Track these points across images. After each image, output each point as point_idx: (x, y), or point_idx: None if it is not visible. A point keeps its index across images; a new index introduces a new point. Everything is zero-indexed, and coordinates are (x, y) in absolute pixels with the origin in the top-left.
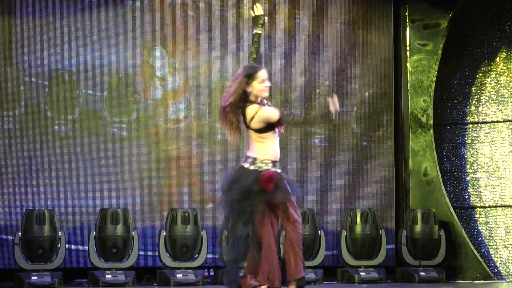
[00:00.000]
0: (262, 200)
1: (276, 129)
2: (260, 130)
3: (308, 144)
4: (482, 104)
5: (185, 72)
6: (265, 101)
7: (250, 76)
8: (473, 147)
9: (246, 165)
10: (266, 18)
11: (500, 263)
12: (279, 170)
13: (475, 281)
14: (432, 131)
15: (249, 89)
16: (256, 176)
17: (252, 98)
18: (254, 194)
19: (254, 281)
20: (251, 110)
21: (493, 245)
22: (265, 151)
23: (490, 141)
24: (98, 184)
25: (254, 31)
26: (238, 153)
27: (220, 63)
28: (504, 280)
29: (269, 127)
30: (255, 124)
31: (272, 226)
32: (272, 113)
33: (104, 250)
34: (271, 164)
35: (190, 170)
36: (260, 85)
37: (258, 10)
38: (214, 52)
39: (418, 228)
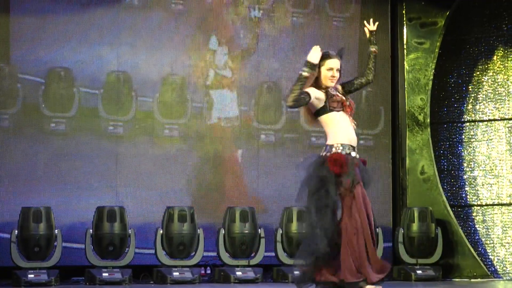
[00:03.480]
0: (335, 185)
1: (341, 112)
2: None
3: (305, 142)
4: (479, 103)
5: (182, 70)
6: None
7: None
8: (470, 145)
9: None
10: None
11: (497, 262)
12: (353, 154)
13: (472, 280)
14: (429, 129)
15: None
16: (322, 160)
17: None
18: (326, 180)
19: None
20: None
21: (490, 243)
22: (333, 135)
23: (487, 140)
24: (94, 182)
25: (370, 49)
26: (235, 151)
27: (217, 60)
28: (501, 279)
29: (322, 109)
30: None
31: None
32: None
33: (100, 248)
34: (341, 148)
35: (187, 168)
36: (328, 72)
37: (374, 25)
38: (213, 50)
39: (415, 226)
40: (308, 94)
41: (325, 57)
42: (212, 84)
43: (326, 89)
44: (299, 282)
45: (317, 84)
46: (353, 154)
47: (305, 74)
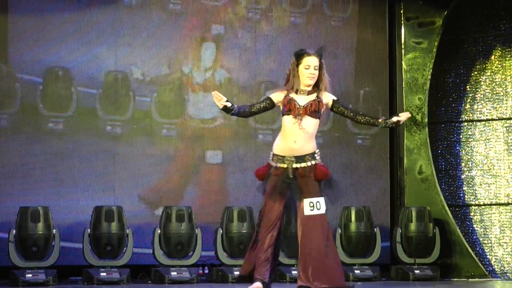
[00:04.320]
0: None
1: (290, 115)
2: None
3: None
4: (477, 102)
5: (180, 70)
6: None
7: (296, 57)
8: (468, 145)
9: None
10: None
11: (494, 261)
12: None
13: (469, 279)
14: (427, 129)
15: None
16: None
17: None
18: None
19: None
20: None
21: (487, 243)
22: (275, 142)
23: (485, 139)
24: (92, 182)
25: (379, 121)
26: (233, 151)
27: (217, 61)
28: (498, 278)
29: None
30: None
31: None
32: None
33: (98, 247)
34: (270, 159)
35: (184, 168)
36: (305, 70)
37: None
38: (210, 50)
39: (412, 226)
40: (270, 101)
41: (302, 55)
42: (210, 84)
43: (295, 90)
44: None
45: (291, 83)
46: (284, 165)
47: (229, 113)
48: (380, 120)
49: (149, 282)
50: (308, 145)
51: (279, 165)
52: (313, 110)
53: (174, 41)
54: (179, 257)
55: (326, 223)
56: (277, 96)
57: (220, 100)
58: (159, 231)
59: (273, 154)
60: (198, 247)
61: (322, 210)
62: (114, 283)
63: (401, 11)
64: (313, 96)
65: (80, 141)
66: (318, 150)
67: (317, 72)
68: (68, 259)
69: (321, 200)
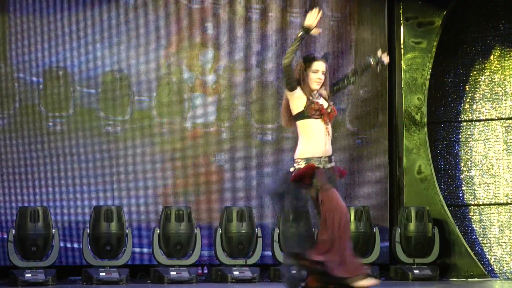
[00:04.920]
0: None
1: (319, 120)
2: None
3: None
4: (476, 102)
5: (179, 69)
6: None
7: (305, 61)
8: (467, 145)
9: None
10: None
11: (494, 261)
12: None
13: (469, 279)
14: (426, 129)
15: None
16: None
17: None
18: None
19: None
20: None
21: (487, 243)
22: (303, 145)
23: (484, 139)
24: (92, 182)
25: (370, 60)
26: (232, 151)
27: (216, 61)
28: (498, 278)
29: (301, 113)
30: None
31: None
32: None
33: (97, 247)
34: (301, 163)
35: (184, 168)
36: (313, 75)
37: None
38: (210, 49)
39: (412, 226)
40: (296, 86)
41: (311, 59)
42: (209, 84)
43: (310, 94)
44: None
45: (303, 87)
46: (320, 165)
47: (300, 34)
48: (371, 62)
49: (148, 282)
50: (331, 146)
51: (318, 166)
52: (335, 115)
53: (173, 41)
54: (178, 257)
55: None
56: (300, 92)
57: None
58: (158, 231)
59: (307, 158)
60: (197, 247)
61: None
62: (113, 283)
63: (400, 11)
64: (323, 100)
65: (80, 141)
66: None
67: (323, 77)
68: (67, 259)
69: None
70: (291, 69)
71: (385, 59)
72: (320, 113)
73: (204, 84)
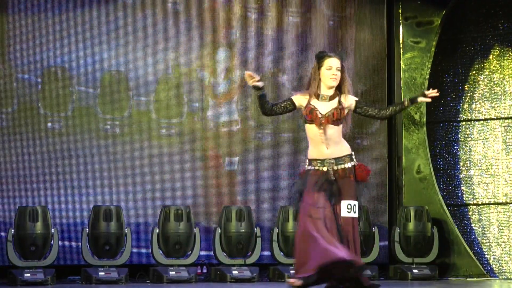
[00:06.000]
0: None
1: (312, 124)
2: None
3: (302, 141)
4: (475, 102)
5: (179, 69)
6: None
7: (318, 59)
8: (466, 144)
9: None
10: None
11: (493, 261)
12: (325, 168)
13: (468, 279)
14: (425, 128)
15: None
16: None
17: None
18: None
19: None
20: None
21: (486, 242)
22: (309, 148)
23: (483, 139)
24: (91, 181)
25: (407, 101)
26: (232, 150)
27: (213, 60)
28: (497, 278)
29: (304, 118)
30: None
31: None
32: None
33: (97, 247)
34: (307, 165)
35: (183, 167)
36: (327, 72)
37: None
38: (209, 49)
39: (411, 225)
40: (292, 102)
41: (323, 56)
42: (208, 83)
43: (316, 95)
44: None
45: (313, 87)
46: (324, 168)
47: (256, 94)
48: (406, 103)
49: (148, 281)
50: (342, 148)
51: (319, 168)
52: (335, 119)
53: (172, 40)
54: (178, 256)
55: (357, 226)
56: (299, 100)
57: (253, 79)
58: (157, 231)
59: (310, 160)
60: (197, 247)
61: (356, 214)
62: (113, 282)
63: (400, 11)
64: (335, 103)
65: (79, 140)
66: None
67: (339, 73)
68: (66, 258)
69: (357, 204)
70: (275, 111)
71: (432, 94)
72: (311, 117)
73: (203, 84)
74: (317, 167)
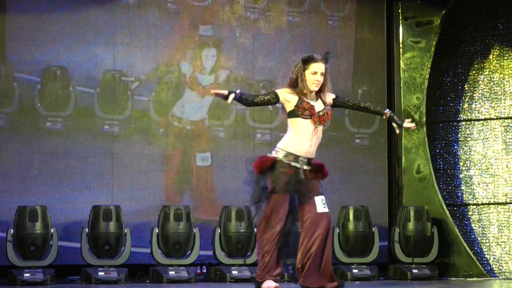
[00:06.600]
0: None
1: (308, 120)
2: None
3: None
4: (475, 102)
5: (178, 69)
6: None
7: (304, 62)
8: (466, 144)
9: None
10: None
11: (493, 261)
12: (298, 165)
13: (468, 279)
14: (425, 128)
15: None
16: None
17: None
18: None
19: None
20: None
21: (486, 242)
22: (286, 140)
23: (483, 139)
24: (90, 181)
25: (384, 112)
26: (231, 150)
27: (214, 60)
28: (497, 278)
29: (291, 112)
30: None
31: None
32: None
33: (96, 247)
34: (282, 154)
35: (183, 167)
36: (312, 76)
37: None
38: (209, 49)
39: (411, 225)
40: (276, 96)
41: (310, 60)
42: (208, 83)
43: (303, 94)
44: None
45: (300, 87)
46: (297, 165)
47: (231, 101)
48: (386, 114)
49: (147, 281)
50: (315, 150)
51: (292, 163)
52: (328, 119)
53: (172, 40)
54: (177, 256)
55: (330, 220)
56: (284, 94)
57: (220, 95)
58: (157, 231)
59: (287, 152)
60: (196, 247)
61: (327, 208)
62: (112, 282)
63: (399, 11)
64: (320, 103)
65: (78, 140)
66: None
67: (322, 78)
68: (66, 258)
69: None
70: (256, 103)
71: (409, 125)
72: (309, 113)
73: (202, 83)
74: (288, 162)
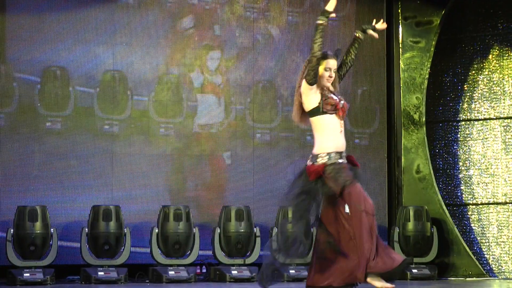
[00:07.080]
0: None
1: (333, 115)
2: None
3: (301, 141)
4: (475, 102)
5: (178, 69)
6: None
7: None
8: (465, 144)
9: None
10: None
11: (492, 260)
12: (340, 161)
13: (467, 278)
14: (424, 128)
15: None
16: (303, 170)
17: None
18: (305, 190)
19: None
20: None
21: (485, 242)
22: (320, 142)
23: (483, 139)
24: (90, 181)
25: (356, 34)
26: (231, 150)
27: (212, 59)
28: (496, 277)
29: (315, 110)
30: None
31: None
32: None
33: (96, 247)
34: (326, 158)
35: (182, 167)
36: (325, 72)
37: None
38: (208, 49)
39: (410, 225)
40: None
41: (323, 57)
42: (208, 83)
43: (323, 90)
44: (265, 281)
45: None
46: (340, 160)
47: (320, 22)
48: (358, 34)
49: (147, 281)
50: (345, 142)
51: (339, 161)
52: (346, 110)
53: (172, 40)
54: (177, 256)
55: None
56: (315, 89)
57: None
58: (156, 230)
59: (328, 154)
60: (196, 246)
61: None
62: (112, 282)
63: (399, 10)
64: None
65: (78, 140)
66: None
67: (335, 74)
68: (65, 258)
69: None
70: (318, 62)
71: (381, 26)
72: (335, 108)
73: (202, 84)
74: (335, 161)
